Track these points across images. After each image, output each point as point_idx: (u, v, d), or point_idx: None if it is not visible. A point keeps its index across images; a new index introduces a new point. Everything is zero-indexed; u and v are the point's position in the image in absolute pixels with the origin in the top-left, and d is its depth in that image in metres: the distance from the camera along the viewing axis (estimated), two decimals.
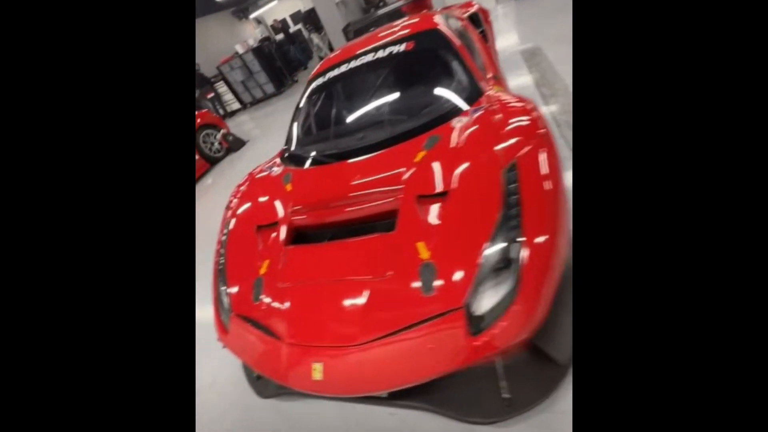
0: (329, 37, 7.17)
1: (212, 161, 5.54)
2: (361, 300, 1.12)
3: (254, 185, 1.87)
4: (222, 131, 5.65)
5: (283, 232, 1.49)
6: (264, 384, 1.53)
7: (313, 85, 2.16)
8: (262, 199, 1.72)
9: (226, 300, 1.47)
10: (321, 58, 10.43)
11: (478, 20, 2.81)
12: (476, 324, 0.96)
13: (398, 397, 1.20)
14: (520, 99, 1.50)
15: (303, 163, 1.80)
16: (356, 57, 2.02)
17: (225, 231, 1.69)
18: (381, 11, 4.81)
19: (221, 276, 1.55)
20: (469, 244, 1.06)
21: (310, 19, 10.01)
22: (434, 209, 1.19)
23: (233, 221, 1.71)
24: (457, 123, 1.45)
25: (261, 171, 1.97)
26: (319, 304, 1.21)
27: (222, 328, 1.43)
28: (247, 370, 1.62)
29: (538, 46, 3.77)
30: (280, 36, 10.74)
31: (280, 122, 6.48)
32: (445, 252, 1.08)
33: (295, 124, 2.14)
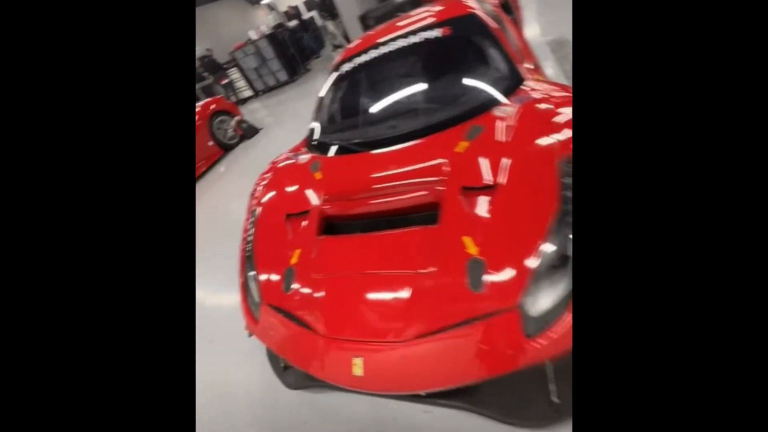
0: (345, 24, 7.05)
1: (226, 148, 5.50)
2: (403, 294, 1.07)
3: (280, 173, 1.82)
4: (236, 118, 5.61)
5: (314, 221, 1.44)
6: (291, 375, 1.50)
7: (341, 70, 2.10)
8: (290, 188, 1.67)
9: (254, 288, 1.44)
10: (335, 47, 10.16)
11: (509, 7, 2.71)
12: (532, 325, 0.91)
13: (436, 396, 1.16)
14: (564, 88, 1.43)
15: (332, 151, 1.75)
16: (385, 43, 1.94)
17: (251, 219, 1.65)
18: None
19: (249, 263, 1.51)
20: (523, 240, 1.00)
21: (325, 6, 9.84)
22: (482, 203, 1.13)
23: (259, 209, 1.67)
24: (500, 112, 1.38)
25: (286, 159, 1.92)
26: (357, 297, 1.17)
27: (251, 318, 1.40)
28: (273, 361, 1.59)
29: (565, 38, 3.64)
30: (293, 22, 10.60)
31: (293, 110, 6.42)
32: (495, 248, 1.03)
33: (322, 111, 2.08)
